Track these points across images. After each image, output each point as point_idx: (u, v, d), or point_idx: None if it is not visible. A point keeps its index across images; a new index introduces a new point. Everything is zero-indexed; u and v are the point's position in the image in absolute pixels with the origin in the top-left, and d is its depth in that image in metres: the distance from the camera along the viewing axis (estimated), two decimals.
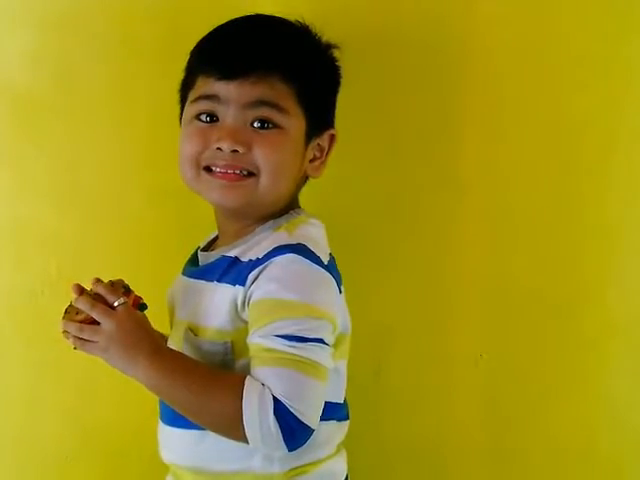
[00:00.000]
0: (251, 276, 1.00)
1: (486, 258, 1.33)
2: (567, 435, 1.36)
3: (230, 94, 1.02)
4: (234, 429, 0.95)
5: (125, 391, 1.37)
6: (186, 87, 1.10)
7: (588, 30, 1.29)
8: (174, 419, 1.05)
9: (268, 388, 0.94)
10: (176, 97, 1.31)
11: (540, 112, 1.30)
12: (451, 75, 1.30)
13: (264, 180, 1.03)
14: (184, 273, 1.13)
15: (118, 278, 1.07)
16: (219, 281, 1.05)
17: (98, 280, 1.05)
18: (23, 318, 1.37)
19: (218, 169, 1.04)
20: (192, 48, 1.11)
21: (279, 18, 1.08)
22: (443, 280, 1.33)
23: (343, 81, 1.14)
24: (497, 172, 1.33)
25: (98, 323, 1.00)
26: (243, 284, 1.01)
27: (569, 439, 1.36)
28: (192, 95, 1.07)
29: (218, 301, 1.04)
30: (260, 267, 1.00)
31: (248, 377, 0.96)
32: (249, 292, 1.00)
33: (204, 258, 1.11)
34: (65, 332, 1.03)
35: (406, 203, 1.32)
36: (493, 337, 1.31)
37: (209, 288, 1.06)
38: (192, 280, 1.10)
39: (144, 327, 1.02)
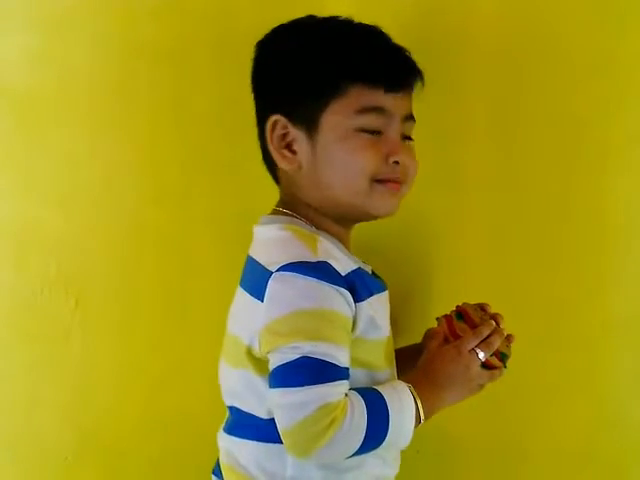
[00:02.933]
0: None
1: (486, 259, 1.33)
2: (567, 435, 1.35)
3: (396, 107, 1.03)
4: None
5: (124, 391, 1.38)
6: (321, 91, 1.03)
7: (588, 29, 1.29)
8: None
9: None
10: (176, 97, 1.32)
11: (540, 112, 1.30)
12: (450, 75, 1.29)
13: (405, 189, 1.08)
14: (382, 290, 1.09)
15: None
16: None
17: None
18: (23, 318, 1.37)
19: (391, 181, 1.05)
20: (307, 47, 1.04)
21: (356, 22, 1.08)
22: (442, 279, 1.33)
23: None
24: (498, 171, 1.32)
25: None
26: None
27: (569, 439, 1.35)
28: (347, 105, 1.02)
29: None
30: None
31: None
32: None
33: (369, 269, 1.10)
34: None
35: (406, 202, 1.32)
36: None
37: None
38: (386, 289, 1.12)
39: None
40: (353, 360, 0.98)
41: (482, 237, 1.33)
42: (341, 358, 0.94)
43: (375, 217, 1.08)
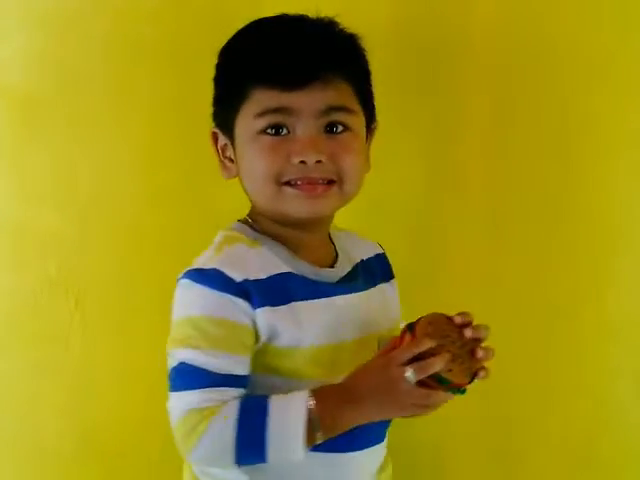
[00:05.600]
0: (388, 268, 1.15)
1: (486, 258, 1.33)
2: (566, 436, 1.36)
3: (300, 105, 0.98)
4: None
5: (124, 391, 1.38)
6: (232, 98, 1.02)
7: (589, 30, 1.29)
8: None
9: None
10: (175, 97, 1.32)
11: (541, 112, 1.30)
12: (452, 76, 1.30)
13: (347, 186, 1.02)
14: (323, 296, 1.03)
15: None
16: (377, 283, 1.11)
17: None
18: (23, 318, 1.37)
19: (302, 182, 0.99)
20: (225, 54, 1.04)
21: (307, 16, 1.03)
22: (442, 280, 1.33)
23: None
24: (497, 172, 1.33)
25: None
26: (392, 277, 1.15)
27: (568, 440, 1.36)
28: (250, 109, 0.99)
29: (391, 299, 1.13)
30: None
31: None
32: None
33: (334, 274, 1.05)
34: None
35: (406, 203, 1.32)
36: (491, 337, 1.31)
37: (383, 289, 1.12)
38: (355, 294, 1.06)
39: None
40: (264, 366, 0.98)
41: (481, 237, 1.33)
42: (220, 365, 0.94)
43: (308, 219, 1.03)
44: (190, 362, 0.95)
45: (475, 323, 0.96)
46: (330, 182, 1.00)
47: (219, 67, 1.06)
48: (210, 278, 0.97)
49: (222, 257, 1.00)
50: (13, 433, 1.40)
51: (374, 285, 1.10)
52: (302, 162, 0.98)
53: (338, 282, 1.04)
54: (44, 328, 1.36)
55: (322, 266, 1.04)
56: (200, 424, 0.92)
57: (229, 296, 0.96)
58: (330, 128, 1.00)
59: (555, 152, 1.31)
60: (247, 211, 1.11)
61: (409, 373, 0.90)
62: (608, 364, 1.34)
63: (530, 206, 1.32)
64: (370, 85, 1.08)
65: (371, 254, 1.14)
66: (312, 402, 0.93)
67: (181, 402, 0.94)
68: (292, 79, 0.97)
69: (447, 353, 0.91)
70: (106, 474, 1.41)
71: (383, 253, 1.16)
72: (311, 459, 0.95)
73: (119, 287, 1.37)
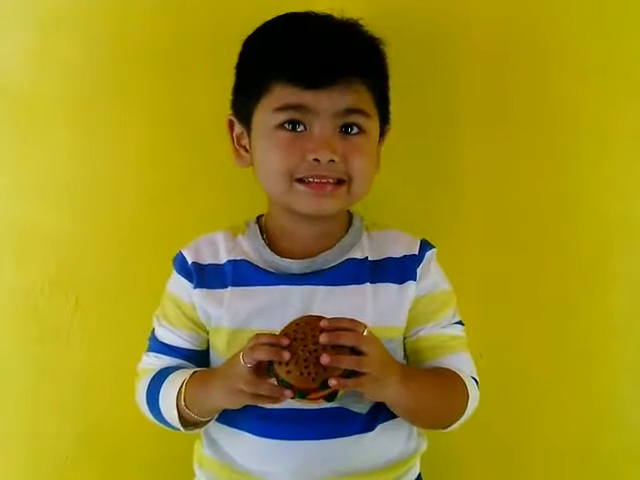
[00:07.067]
0: (419, 271, 1.07)
1: (486, 258, 1.33)
2: (567, 435, 1.36)
3: (320, 104, 0.99)
4: (453, 422, 1.07)
5: (124, 391, 1.37)
6: (253, 90, 1.03)
7: (588, 29, 1.29)
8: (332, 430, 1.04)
9: (465, 372, 1.06)
10: (175, 97, 1.32)
11: (540, 111, 1.31)
12: (450, 75, 1.30)
13: (356, 187, 1.04)
14: (267, 284, 1.05)
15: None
16: (376, 282, 1.06)
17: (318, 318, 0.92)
18: (23, 318, 1.37)
19: (314, 180, 1.02)
20: (251, 45, 1.06)
21: (332, 16, 1.05)
22: None
23: None
24: (497, 171, 1.33)
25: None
26: (414, 279, 1.07)
27: (569, 439, 1.36)
28: (270, 103, 1.01)
29: (386, 300, 1.05)
30: (423, 262, 1.08)
31: (458, 370, 1.05)
32: (419, 286, 1.07)
33: (298, 265, 1.06)
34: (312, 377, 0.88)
35: (405, 203, 1.32)
36: (493, 337, 1.32)
37: (363, 290, 1.05)
38: (319, 287, 1.05)
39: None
40: (211, 344, 1.09)
41: (480, 237, 1.33)
42: (159, 333, 1.11)
43: (313, 215, 1.05)
44: (154, 329, 1.12)
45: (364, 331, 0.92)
46: (340, 182, 1.03)
47: (243, 56, 1.07)
48: (176, 260, 1.12)
49: (195, 242, 1.12)
50: (13, 433, 1.40)
51: (361, 283, 1.06)
52: (316, 160, 1.00)
53: (294, 274, 1.06)
54: (44, 328, 1.36)
55: (305, 255, 1.07)
56: (137, 381, 1.11)
57: (180, 276, 1.10)
58: (345, 129, 1.03)
59: (556, 150, 1.31)
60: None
61: (241, 355, 0.93)
62: (610, 362, 1.34)
63: (530, 204, 1.32)
64: (387, 89, 1.10)
65: (398, 254, 1.09)
66: (184, 383, 1.03)
67: (141, 360, 1.13)
68: (315, 79, 0.98)
69: (285, 352, 0.88)
70: (105, 474, 1.41)
71: (414, 255, 1.09)
72: (250, 441, 1.04)
73: (119, 287, 1.37)
